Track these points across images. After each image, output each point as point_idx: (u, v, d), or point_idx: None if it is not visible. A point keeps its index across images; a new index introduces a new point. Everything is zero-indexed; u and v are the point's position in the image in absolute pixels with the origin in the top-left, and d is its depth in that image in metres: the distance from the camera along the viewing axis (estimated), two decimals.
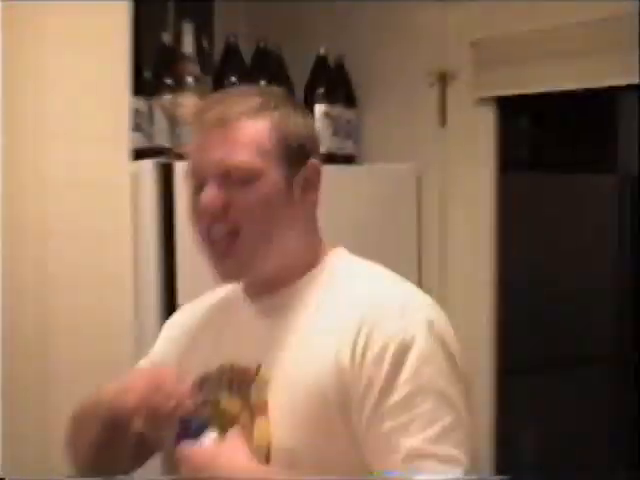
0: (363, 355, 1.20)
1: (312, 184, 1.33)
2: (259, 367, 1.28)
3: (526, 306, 2.98)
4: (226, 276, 1.35)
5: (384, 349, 1.20)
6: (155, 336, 2.12)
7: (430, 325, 1.23)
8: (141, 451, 1.41)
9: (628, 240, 3.43)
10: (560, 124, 3.43)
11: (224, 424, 1.26)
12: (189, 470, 1.22)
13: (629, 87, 2.30)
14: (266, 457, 1.23)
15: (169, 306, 2.15)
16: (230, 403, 1.29)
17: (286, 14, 2.86)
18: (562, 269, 3.16)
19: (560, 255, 3.16)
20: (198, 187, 1.30)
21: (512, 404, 2.59)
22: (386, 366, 1.19)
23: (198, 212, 1.30)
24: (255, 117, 1.29)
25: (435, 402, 1.18)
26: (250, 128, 1.28)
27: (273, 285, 1.34)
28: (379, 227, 2.51)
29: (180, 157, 2.30)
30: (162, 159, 2.24)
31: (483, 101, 2.49)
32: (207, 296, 1.50)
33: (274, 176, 1.28)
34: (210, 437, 1.24)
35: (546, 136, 3.43)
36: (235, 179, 1.27)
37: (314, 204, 1.36)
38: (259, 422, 1.25)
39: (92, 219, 2.11)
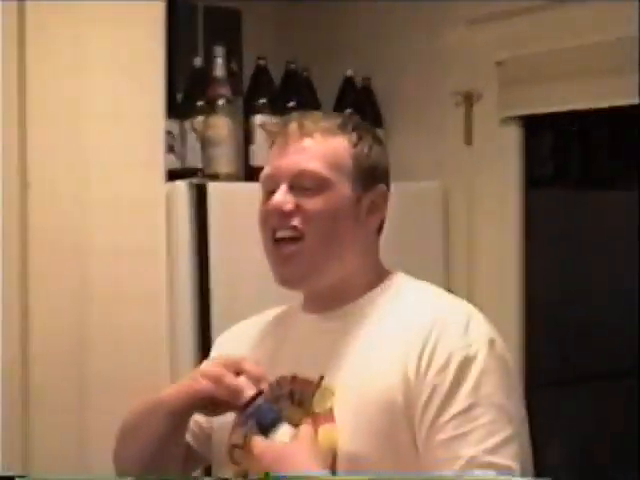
0: (428, 366, 1.24)
1: (378, 208, 1.38)
2: (322, 378, 1.30)
3: (553, 321, 3.00)
4: (286, 280, 1.38)
5: (448, 361, 1.24)
6: (189, 353, 2.19)
7: (492, 342, 1.28)
8: (194, 455, 1.45)
9: None
10: (584, 141, 3.45)
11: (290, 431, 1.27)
12: (262, 464, 1.24)
13: None
14: (331, 463, 1.25)
15: (203, 324, 2.19)
16: (292, 412, 1.30)
17: (314, 37, 2.91)
18: (588, 285, 3.17)
19: (586, 271, 3.17)
20: (270, 192, 1.35)
21: (538, 419, 2.61)
22: (449, 377, 1.23)
23: (266, 213, 1.35)
24: (334, 134, 1.36)
25: (495, 415, 1.22)
26: (328, 142, 1.35)
27: (333, 301, 1.37)
28: (407, 244, 2.54)
29: (213, 177, 2.35)
30: (194, 180, 2.29)
31: (508, 120, 2.52)
32: (263, 314, 1.53)
33: (343, 191, 1.34)
34: (285, 432, 1.24)
35: (571, 153, 3.45)
36: (306, 186, 1.32)
37: (378, 228, 1.41)
38: (324, 429, 1.27)
39: (129, 238, 2.15)
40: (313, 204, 1.32)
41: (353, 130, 1.38)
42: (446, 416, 1.22)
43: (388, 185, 1.42)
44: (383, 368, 1.27)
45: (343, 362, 1.31)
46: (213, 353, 1.57)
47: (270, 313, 1.51)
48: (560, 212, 3.10)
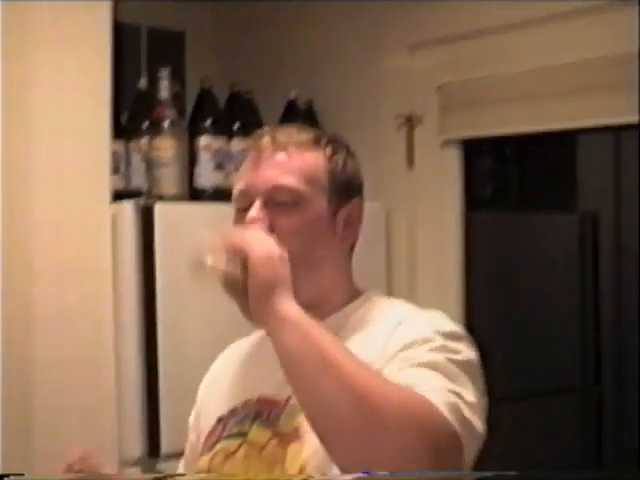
0: (394, 348, 1.21)
1: (353, 222, 1.36)
2: (289, 398, 1.26)
3: (493, 340, 3.05)
4: None
5: (414, 341, 1.22)
6: (135, 374, 2.19)
7: (458, 332, 1.29)
8: None
9: (590, 274, 3.53)
10: (522, 164, 3.53)
11: (253, 454, 1.27)
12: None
13: (587, 129, 2.42)
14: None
15: (149, 344, 2.20)
16: (258, 433, 1.29)
17: (257, 59, 2.94)
18: (528, 304, 3.24)
19: (524, 290, 3.24)
20: (245, 209, 1.31)
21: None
22: (413, 348, 1.21)
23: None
24: (308, 148, 1.33)
25: (449, 379, 1.19)
26: (302, 156, 1.32)
27: None
28: None
29: (158, 198, 2.36)
30: (139, 200, 2.30)
31: (449, 143, 2.58)
32: (249, 336, 1.48)
33: (319, 205, 1.31)
34: None
35: (509, 176, 3.53)
36: (281, 201, 1.29)
37: (353, 242, 1.38)
38: (292, 449, 1.25)
39: (74, 259, 2.15)
40: (289, 220, 1.29)
41: (327, 144, 1.36)
42: (404, 369, 1.18)
43: (362, 198, 1.40)
44: None
45: None
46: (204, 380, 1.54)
47: (257, 334, 1.46)
48: (499, 233, 3.16)
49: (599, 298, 3.56)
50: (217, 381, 1.47)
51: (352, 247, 1.40)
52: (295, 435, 1.25)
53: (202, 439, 1.39)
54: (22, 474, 1.17)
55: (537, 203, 3.51)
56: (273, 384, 1.29)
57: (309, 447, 1.22)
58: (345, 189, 1.36)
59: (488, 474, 1.10)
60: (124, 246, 2.22)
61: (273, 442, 1.26)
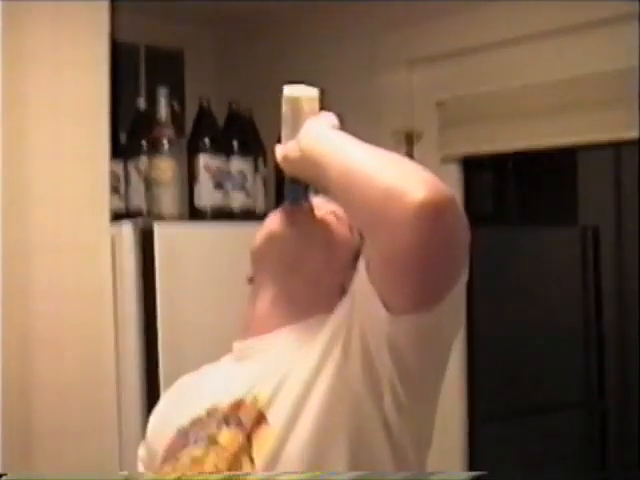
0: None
1: None
2: (254, 399, 1.27)
3: (495, 355, 3.04)
4: None
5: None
6: (136, 396, 2.18)
7: None
8: None
9: (591, 289, 3.52)
10: (523, 179, 3.53)
11: (223, 455, 1.26)
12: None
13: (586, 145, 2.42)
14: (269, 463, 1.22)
15: (150, 367, 2.19)
16: (227, 435, 1.28)
17: (256, 77, 2.94)
18: (530, 319, 3.23)
19: (527, 304, 3.23)
20: None
21: (483, 451, 2.65)
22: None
23: None
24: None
25: None
26: None
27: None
28: None
29: (157, 218, 2.36)
30: (139, 220, 2.29)
31: (449, 159, 2.58)
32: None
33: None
34: None
35: (510, 191, 3.53)
36: None
37: None
38: (256, 435, 1.24)
39: (74, 280, 2.14)
40: None
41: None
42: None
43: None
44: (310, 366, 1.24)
45: (268, 380, 1.28)
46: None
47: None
48: (500, 248, 3.15)
49: (601, 312, 3.55)
50: (171, 396, 1.49)
51: None
52: (258, 421, 1.24)
53: (160, 452, 1.38)
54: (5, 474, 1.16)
55: (538, 218, 3.50)
56: (237, 389, 1.30)
57: (274, 429, 1.22)
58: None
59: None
60: (124, 266, 2.21)
61: (239, 437, 1.26)
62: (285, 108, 1.34)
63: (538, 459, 3.12)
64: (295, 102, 1.33)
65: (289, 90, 1.35)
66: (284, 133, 1.33)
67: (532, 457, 3.11)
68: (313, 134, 1.26)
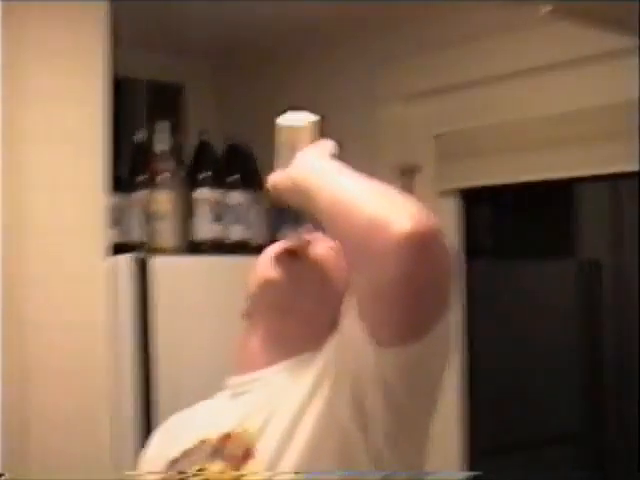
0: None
1: None
2: (243, 430, 1.28)
3: (492, 389, 3.04)
4: None
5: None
6: (132, 429, 2.17)
7: None
8: None
9: (590, 321, 3.52)
10: (521, 212, 3.54)
11: None
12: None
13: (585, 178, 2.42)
14: None
15: (145, 398, 2.19)
16: (215, 468, 1.29)
17: (255, 111, 2.95)
18: (527, 351, 3.23)
19: (525, 338, 3.23)
20: None
21: None
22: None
23: None
24: None
25: None
26: None
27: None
28: None
29: (156, 251, 2.37)
30: (137, 253, 2.30)
31: (447, 192, 2.59)
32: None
33: None
34: None
35: (508, 224, 3.54)
36: None
37: None
38: (245, 468, 1.25)
39: (70, 312, 2.14)
40: None
41: None
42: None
43: None
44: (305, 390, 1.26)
45: (261, 407, 1.29)
46: None
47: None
48: (499, 281, 3.16)
49: (600, 345, 3.55)
50: (164, 431, 1.49)
51: None
52: (246, 454, 1.25)
53: None
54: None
55: (537, 251, 3.51)
56: (228, 422, 1.31)
57: (262, 461, 1.23)
58: None
59: None
60: (121, 299, 2.21)
61: (227, 470, 1.26)
62: (278, 138, 1.35)
63: None
64: (288, 131, 1.34)
65: (283, 120, 1.35)
66: (277, 162, 1.34)
67: None
68: (305, 165, 1.27)
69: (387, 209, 1.10)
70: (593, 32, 1.86)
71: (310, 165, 1.26)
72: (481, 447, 2.69)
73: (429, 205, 1.11)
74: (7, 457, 2.02)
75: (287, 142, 1.34)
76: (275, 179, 1.32)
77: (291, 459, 1.21)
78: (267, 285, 1.36)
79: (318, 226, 1.35)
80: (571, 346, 3.47)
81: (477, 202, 3.19)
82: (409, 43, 2.58)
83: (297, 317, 1.36)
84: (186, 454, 1.35)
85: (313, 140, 1.34)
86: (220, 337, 2.24)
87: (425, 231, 1.07)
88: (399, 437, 1.19)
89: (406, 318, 1.12)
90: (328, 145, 1.32)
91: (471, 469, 2.57)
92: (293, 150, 1.32)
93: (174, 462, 1.36)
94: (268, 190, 1.35)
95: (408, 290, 1.08)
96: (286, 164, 1.31)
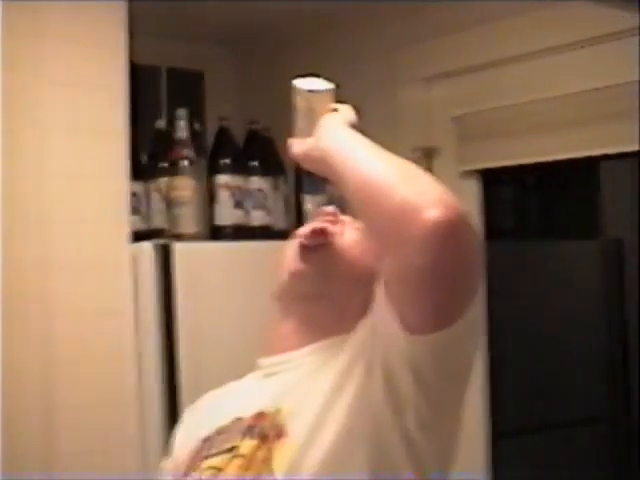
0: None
1: None
2: (278, 410, 1.28)
3: (518, 371, 3.03)
4: None
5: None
6: (157, 414, 2.19)
7: None
8: None
9: (615, 302, 3.49)
10: (543, 192, 3.52)
11: (243, 465, 1.27)
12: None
13: (608, 156, 2.41)
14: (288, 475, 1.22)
15: (170, 384, 2.20)
16: (248, 445, 1.29)
17: (275, 97, 2.94)
18: (551, 332, 3.21)
19: (548, 319, 3.21)
20: None
21: (504, 467, 2.64)
22: None
23: None
24: None
25: None
26: None
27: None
28: None
29: (178, 237, 2.38)
30: (161, 240, 2.31)
31: (468, 173, 2.59)
32: None
33: None
34: None
35: (529, 204, 3.52)
36: None
37: None
38: (277, 446, 1.25)
39: (94, 299, 2.17)
40: None
41: None
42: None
43: None
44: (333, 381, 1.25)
45: (290, 392, 1.30)
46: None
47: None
48: (521, 262, 3.14)
49: (624, 326, 3.52)
50: (195, 410, 1.49)
51: None
52: (279, 433, 1.25)
53: (185, 463, 1.38)
54: None
55: (559, 231, 3.49)
56: (261, 401, 1.31)
57: (295, 440, 1.23)
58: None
59: None
60: (144, 286, 2.23)
61: (261, 448, 1.27)
62: (297, 101, 1.34)
63: (564, 474, 3.11)
64: (308, 96, 1.33)
65: (300, 83, 1.35)
66: (298, 126, 1.33)
67: (558, 472, 3.09)
68: (333, 137, 1.26)
69: (417, 193, 1.08)
70: (614, 10, 1.85)
71: (338, 139, 1.25)
72: (504, 430, 2.69)
73: (450, 187, 1.11)
74: (28, 444, 2.04)
75: (306, 107, 1.33)
76: (304, 147, 1.32)
77: (324, 441, 1.21)
78: (295, 277, 1.36)
79: (343, 198, 1.35)
80: (595, 327, 3.45)
81: (498, 183, 3.19)
82: (428, 26, 2.57)
83: (327, 302, 1.35)
84: (219, 431, 1.35)
85: (332, 105, 1.33)
86: (242, 322, 2.26)
87: (455, 218, 1.05)
88: (431, 421, 1.19)
89: (437, 305, 1.11)
90: (349, 111, 1.31)
91: (493, 452, 2.58)
92: (312, 115, 1.31)
93: (206, 440, 1.36)
94: (292, 155, 1.34)
95: (439, 278, 1.08)
96: (306, 130, 1.30)
